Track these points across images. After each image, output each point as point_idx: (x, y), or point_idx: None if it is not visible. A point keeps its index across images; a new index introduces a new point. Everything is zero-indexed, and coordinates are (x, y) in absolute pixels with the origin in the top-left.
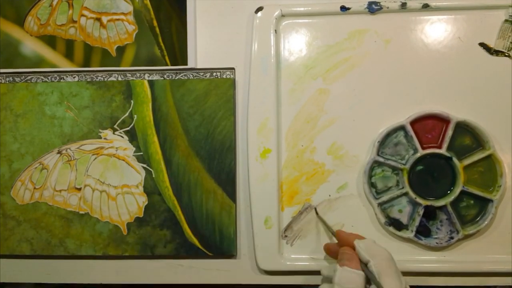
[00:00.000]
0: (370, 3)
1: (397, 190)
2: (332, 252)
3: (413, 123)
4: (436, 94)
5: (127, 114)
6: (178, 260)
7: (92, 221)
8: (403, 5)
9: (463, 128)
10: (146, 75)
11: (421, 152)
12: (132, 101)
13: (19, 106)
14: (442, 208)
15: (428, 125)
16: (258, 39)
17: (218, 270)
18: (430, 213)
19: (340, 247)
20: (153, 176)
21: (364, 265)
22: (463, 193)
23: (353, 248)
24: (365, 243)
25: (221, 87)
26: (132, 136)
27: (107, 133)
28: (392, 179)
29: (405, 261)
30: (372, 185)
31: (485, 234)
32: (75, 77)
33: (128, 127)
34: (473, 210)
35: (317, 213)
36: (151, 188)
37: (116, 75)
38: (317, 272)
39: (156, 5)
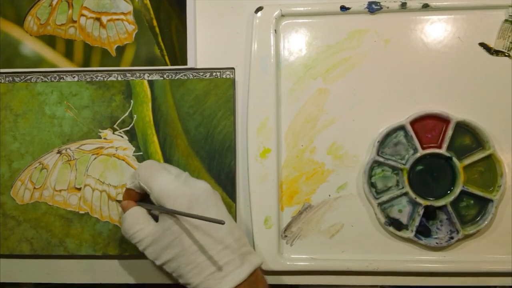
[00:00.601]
0: (370, 3)
1: (397, 190)
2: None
3: (413, 123)
4: (436, 94)
5: (127, 114)
6: None
7: (92, 221)
8: (403, 5)
9: (463, 128)
10: (146, 75)
11: (421, 152)
12: (132, 101)
13: (18, 106)
14: (442, 208)
15: (428, 125)
16: (258, 39)
17: None
18: (430, 213)
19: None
20: None
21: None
22: (463, 193)
23: (135, 196)
24: (130, 180)
25: (221, 87)
26: (132, 136)
27: (107, 133)
28: (392, 179)
29: (405, 261)
30: (372, 185)
31: (485, 234)
32: (74, 77)
33: (128, 127)
34: (473, 210)
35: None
36: None
37: (116, 75)
38: (317, 272)
39: (156, 5)
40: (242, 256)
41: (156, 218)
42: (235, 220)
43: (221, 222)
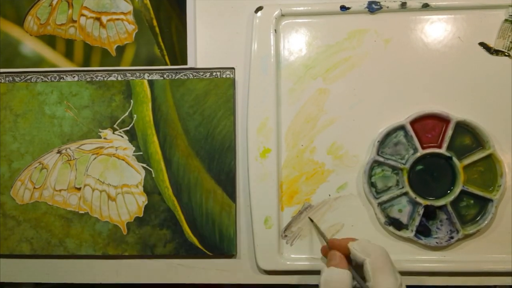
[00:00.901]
0: (370, 3)
1: (397, 189)
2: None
3: (413, 122)
4: (436, 94)
5: (127, 113)
6: (178, 259)
7: (92, 220)
8: (403, 5)
9: (463, 127)
10: (146, 74)
11: (421, 152)
12: (132, 100)
13: (19, 105)
14: (442, 207)
15: (428, 124)
16: (258, 38)
17: (218, 269)
18: (430, 213)
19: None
20: (153, 176)
21: (357, 267)
22: (463, 192)
23: (347, 252)
24: (359, 243)
25: (221, 86)
26: (132, 135)
27: (107, 132)
28: (392, 179)
29: (405, 261)
30: (372, 184)
31: (485, 233)
32: (74, 76)
33: (128, 126)
34: (473, 209)
35: (311, 220)
36: (151, 188)
37: (116, 75)
38: (317, 272)
39: (156, 4)
40: None
41: None
42: (235, 220)
43: None
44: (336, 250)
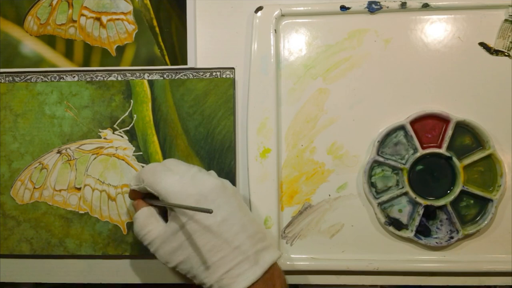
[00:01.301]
0: (370, 3)
1: (397, 189)
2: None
3: (413, 122)
4: (436, 94)
5: (126, 113)
6: None
7: (92, 220)
8: (403, 5)
9: (463, 127)
10: (146, 74)
11: (421, 152)
12: (131, 100)
13: (18, 105)
14: (442, 207)
15: (428, 124)
16: (258, 38)
17: None
18: (430, 213)
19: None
20: None
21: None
22: (463, 192)
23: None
24: (136, 177)
25: (221, 86)
26: (131, 135)
27: (107, 132)
28: (392, 179)
29: (405, 261)
30: (372, 184)
31: (485, 233)
32: (74, 76)
33: (127, 126)
34: (473, 209)
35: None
36: None
37: (116, 75)
38: (317, 272)
39: (156, 4)
40: (256, 253)
41: (166, 219)
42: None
43: (208, 211)
44: (134, 198)
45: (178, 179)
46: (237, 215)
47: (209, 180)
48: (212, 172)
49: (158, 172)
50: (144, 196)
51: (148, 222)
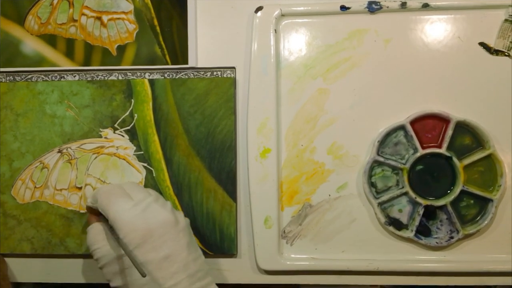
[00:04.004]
0: (370, 3)
1: (397, 189)
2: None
3: (413, 122)
4: (436, 93)
5: (127, 113)
6: None
7: None
8: (403, 5)
9: (463, 127)
10: (147, 74)
11: (421, 152)
12: (132, 100)
13: (19, 105)
14: (442, 207)
15: (428, 124)
16: (258, 38)
17: (218, 269)
18: (430, 213)
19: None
20: (154, 175)
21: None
22: (463, 192)
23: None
24: (93, 196)
25: (222, 86)
26: (132, 135)
27: (108, 132)
28: (392, 179)
29: (405, 261)
30: (372, 184)
31: (485, 233)
32: (75, 76)
33: (128, 126)
34: (473, 209)
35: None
36: (151, 187)
37: (117, 74)
38: (317, 272)
39: (157, 4)
40: None
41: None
42: (235, 220)
43: (142, 275)
44: (90, 212)
45: (130, 208)
46: (181, 254)
47: (162, 214)
48: (168, 204)
49: (113, 196)
50: (99, 212)
51: (98, 239)
